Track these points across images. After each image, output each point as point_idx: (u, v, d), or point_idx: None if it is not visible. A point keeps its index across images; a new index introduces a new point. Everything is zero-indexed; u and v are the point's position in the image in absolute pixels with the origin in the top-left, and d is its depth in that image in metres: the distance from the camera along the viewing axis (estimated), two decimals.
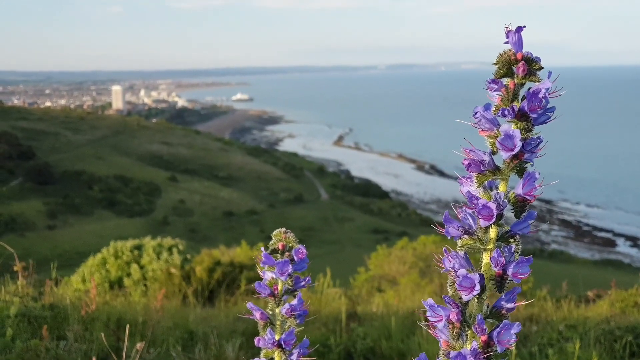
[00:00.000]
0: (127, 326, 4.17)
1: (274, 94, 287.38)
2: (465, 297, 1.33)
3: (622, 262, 46.56)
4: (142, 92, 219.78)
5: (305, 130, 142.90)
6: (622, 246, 56.24)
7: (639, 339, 5.45)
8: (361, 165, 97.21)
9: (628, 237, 58.12)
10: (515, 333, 1.32)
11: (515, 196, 1.36)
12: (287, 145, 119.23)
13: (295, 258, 1.91)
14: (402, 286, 12.95)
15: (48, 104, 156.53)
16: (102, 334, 4.38)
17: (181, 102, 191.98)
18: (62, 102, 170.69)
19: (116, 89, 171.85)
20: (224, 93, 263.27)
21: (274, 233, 1.94)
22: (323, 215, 63.18)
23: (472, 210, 1.35)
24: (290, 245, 1.92)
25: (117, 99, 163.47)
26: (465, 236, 1.37)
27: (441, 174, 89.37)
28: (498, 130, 1.34)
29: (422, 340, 5.55)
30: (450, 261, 1.37)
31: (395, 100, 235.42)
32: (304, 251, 1.91)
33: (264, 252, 1.92)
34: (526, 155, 1.34)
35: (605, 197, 73.08)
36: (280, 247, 1.91)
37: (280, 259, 1.90)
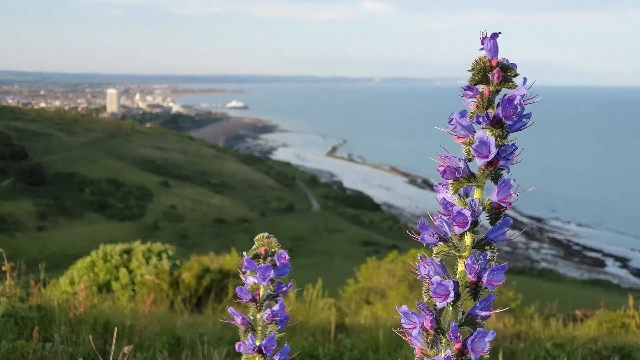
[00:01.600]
0: (115, 330, 4.15)
1: (269, 103, 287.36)
2: (439, 305, 1.33)
3: (610, 283, 46.58)
4: (137, 96, 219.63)
5: (299, 140, 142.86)
6: (611, 266, 56.30)
7: (626, 359, 5.46)
8: (354, 177, 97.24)
9: (617, 258, 58.18)
10: (489, 341, 1.31)
11: (491, 203, 1.36)
12: (280, 155, 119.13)
13: (278, 263, 1.89)
14: (390, 299, 12.91)
15: (42, 104, 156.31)
16: (90, 337, 4.37)
17: (176, 108, 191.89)
18: (57, 103, 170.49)
19: (111, 92, 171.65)
20: (219, 100, 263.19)
21: (257, 237, 1.92)
22: (314, 226, 63.08)
23: (448, 217, 1.35)
24: (272, 250, 1.90)
25: (112, 102, 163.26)
26: (441, 243, 1.37)
27: (433, 188, 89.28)
28: (473, 137, 1.34)
29: (409, 354, 5.54)
30: (425, 268, 1.37)
31: (390, 114, 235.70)
32: (287, 256, 1.89)
33: (246, 256, 1.90)
34: (501, 162, 1.34)
35: (596, 217, 73.22)
36: (262, 252, 1.89)
37: (262, 264, 1.89)
